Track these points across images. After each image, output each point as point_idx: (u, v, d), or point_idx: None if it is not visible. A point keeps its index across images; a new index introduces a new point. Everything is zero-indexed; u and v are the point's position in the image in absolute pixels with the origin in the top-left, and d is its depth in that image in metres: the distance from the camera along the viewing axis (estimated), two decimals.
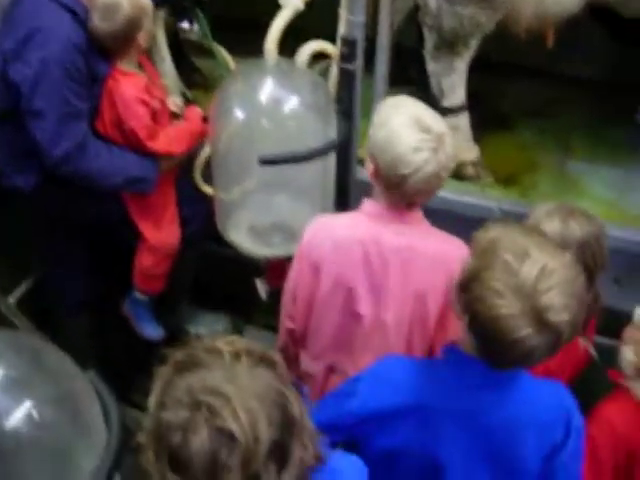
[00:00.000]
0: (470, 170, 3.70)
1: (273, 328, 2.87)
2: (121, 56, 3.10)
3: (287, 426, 1.47)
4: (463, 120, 3.71)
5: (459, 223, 3.31)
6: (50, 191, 3.16)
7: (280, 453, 1.45)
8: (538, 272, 1.72)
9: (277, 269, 3.14)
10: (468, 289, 1.83)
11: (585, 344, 2.57)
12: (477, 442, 1.96)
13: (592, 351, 2.60)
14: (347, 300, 2.42)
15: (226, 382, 1.43)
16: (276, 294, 2.75)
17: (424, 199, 2.36)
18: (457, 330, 2.47)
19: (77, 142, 3.00)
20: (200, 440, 1.39)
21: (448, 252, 2.33)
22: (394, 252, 2.35)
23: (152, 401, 1.50)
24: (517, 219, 2.74)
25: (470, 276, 1.83)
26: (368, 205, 2.41)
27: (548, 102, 4.21)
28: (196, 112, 3.37)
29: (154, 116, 3.19)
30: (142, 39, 3.10)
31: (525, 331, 1.72)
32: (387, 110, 2.34)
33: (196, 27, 3.85)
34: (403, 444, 2.02)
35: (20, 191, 3.15)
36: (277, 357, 1.56)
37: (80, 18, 2.96)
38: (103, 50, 3.05)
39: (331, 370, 2.59)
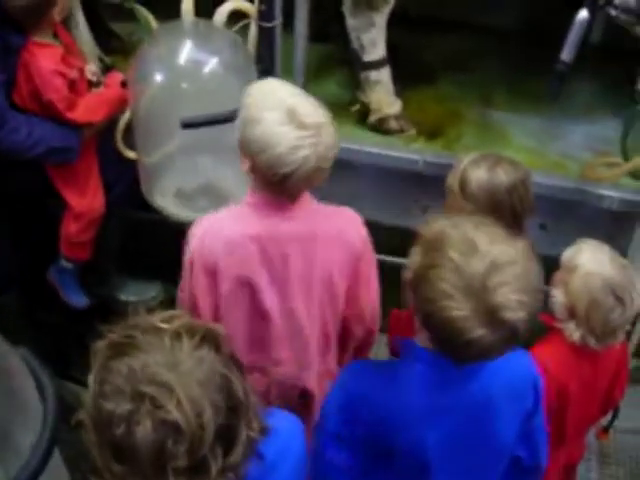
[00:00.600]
0: (393, 124, 3.71)
1: None
2: (35, 31, 3.02)
3: (232, 408, 1.45)
4: (385, 74, 3.71)
5: (384, 176, 3.34)
6: None
7: (227, 435, 1.44)
8: (487, 268, 1.61)
9: None
10: (417, 289, 1.72)
11: None
12: (457, 432, 1.91)
13: None
14: (251, 298, 2.35)
15: (168, 370, 1.39)
16: None
17: (307, 190, 2.27)
18: (369, 298, 2.47)
19: None
20: (145, 432, 1.36)
21: (343, 227, 2.34)
22: (290, 240, 2.29)
23: (91, 385, 1.45)
24: (442, 170, 2.77)
25: (418, 276, 1.72)
26: (251, 197, 2.30)
27: (468, 54, 4.22)
28: (116, 78, 3.29)
29: (72, 86, 3.14)
30: (57, 14, 3.02)
31: (479, 331, 1.62)
32: (257, 103, 2.18)
33: None
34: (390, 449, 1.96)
35: None
36: (220, 330, 1.52)
37: None
38: (16, 22, 2.97)
39: (248, 371, 2.53)
